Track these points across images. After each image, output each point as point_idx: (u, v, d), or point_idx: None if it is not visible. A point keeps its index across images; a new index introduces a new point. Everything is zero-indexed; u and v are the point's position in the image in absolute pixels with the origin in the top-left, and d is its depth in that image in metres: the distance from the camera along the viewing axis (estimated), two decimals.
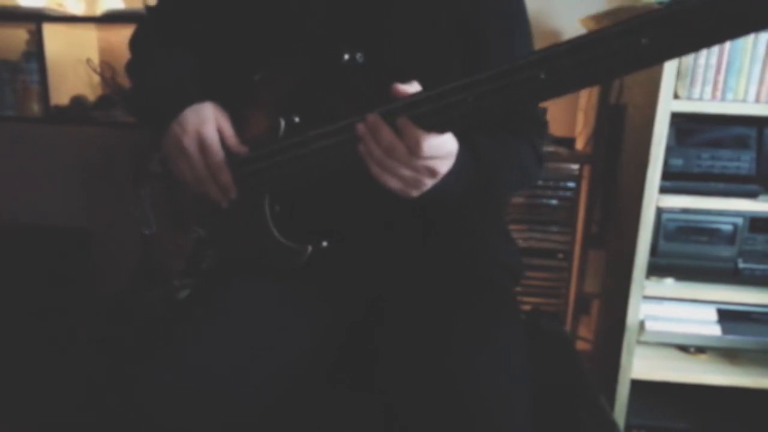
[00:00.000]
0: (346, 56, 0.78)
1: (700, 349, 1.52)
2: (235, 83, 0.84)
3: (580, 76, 0.54)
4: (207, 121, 0.77)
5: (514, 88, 0.56)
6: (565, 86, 0.56)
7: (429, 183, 0.67)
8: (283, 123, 0.77)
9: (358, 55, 0.78)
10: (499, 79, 0.57)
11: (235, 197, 0.81)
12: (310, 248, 0.80)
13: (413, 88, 0.63)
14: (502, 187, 0.87)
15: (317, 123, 0.72)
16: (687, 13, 0.47)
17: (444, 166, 0.66)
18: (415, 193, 0.68)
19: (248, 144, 0.80)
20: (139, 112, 0.92)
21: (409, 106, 0.62)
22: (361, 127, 0.65)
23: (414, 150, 0.62)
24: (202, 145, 0.77)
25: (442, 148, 0.64)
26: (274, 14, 0.83)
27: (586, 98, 1.77)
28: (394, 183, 0.66)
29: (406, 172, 0.65)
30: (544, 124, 0.90)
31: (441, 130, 0.63)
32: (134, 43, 0.95)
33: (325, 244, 0.81)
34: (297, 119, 0.78)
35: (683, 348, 1.53)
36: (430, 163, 0.65)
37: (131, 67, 0.92)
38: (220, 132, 0.78)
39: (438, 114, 0.61)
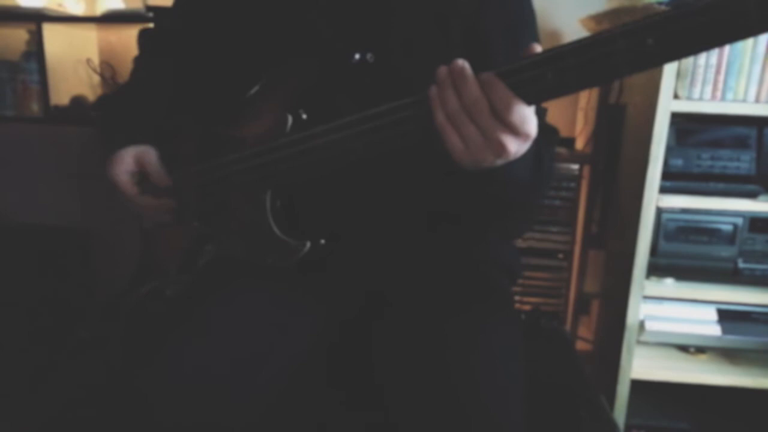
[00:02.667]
0: (357, 56, 0.77)
1: (700, 349, 1.52)
2: (241, 82, 0.85)
3: (584, 75, 0.53)
4: (117, 173, 0.86)
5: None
6: (569, 87, 0.55)
7: (491, 160, 0.60)
8: (290, 119, 0.78)
9: (369, 55, 0.78)
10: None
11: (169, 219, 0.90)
12: (308, 244, 0.80)
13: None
14: (539, 195, 0.81)
15: (324, 120, 0.72)
16: (694, 13, 0.48)
17: (515, 146, 0.59)
18: (468, 163, 0.61)
19: (254, 139, 0.81)
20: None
21: (511, 72, 0.57)
22: (443, 70, 0.60)
23: (501, 112, 0.57)
24: (117, 188, 0.88)
25: (527, 123, 0.58)
26: (284, 14, 0.83)
27: (586, 98, 1.77)
28: (454, 140, 0.60)
29: (474, 134, 0.58)
30: (555, 131, 0.89)
31: (528, 101, 0.57)
32: (137, 58, 1.00)
33: (323, 242, 0.81)
34: (304, 116, 0.78)
35: (683, 348, 1.53)
36: (506, 137, 0.58)
37: (122, 87, 1.00)
38: (143, 169, 0.87)
39: (532, 83, 0.56)
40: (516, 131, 0.58)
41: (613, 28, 0.53)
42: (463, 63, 0.59)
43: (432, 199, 0.83)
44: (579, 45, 0.54)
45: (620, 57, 0.52)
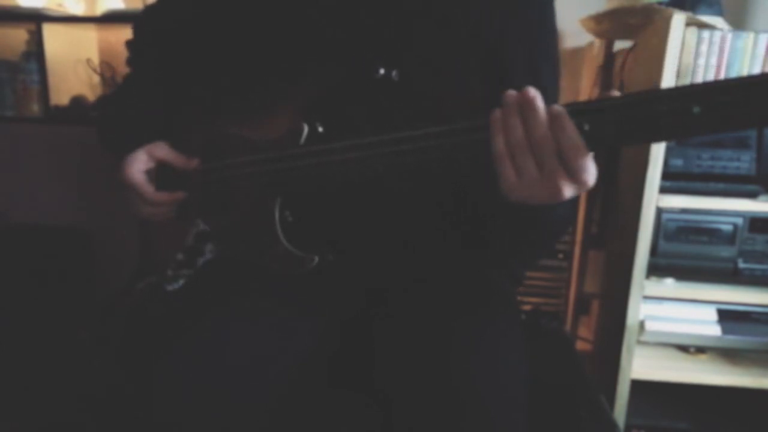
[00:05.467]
0: (382, 71, 0.75)
1: (700, 349, 1.52)
2: (244, 80, 0.84)
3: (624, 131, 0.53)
4: (130, 174, 0.85)
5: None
6: (630, 138, 0.55)
7: (542, 199, 0.57)
8: (306, 129, 0.77)
9: (394, 73, 0.75)
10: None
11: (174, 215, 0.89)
12: (316, 259, 0.79)
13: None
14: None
15: (340, 133, 0.71)
16: (746, 87, 0.46)
17: (570, 192, 0.56)
18: (517, 196, 0.58)
19: (266, 143, 0.80)
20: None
21: (592, 112, 0.54)
22: (512, 94, 0.57)
23: (567, 155, 0.54)
24: (133, 189, 0.86)
25: (588, 173, 0.55)
26: (308, 25, 0.82)
27: (586, 98, 1.76)
28: (509, 171, 0.57)
29: (532, 169, 0.56)
30: None
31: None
32: (132, 59, 1.02)
33: (331, 257, 0.80)
34: (320, 129, 0.77)
35: (683, 348, 1.53)
36: (564, 182, 0.55)
37: (118, 90, 0.99)
38: (164, 161, 0.87)
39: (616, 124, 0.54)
40: (576, 179, 0.56)
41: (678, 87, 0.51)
42: (535, 92, 0.56)
43: (451, 221, 0.82)
44: (636, 99, 0.53)
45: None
